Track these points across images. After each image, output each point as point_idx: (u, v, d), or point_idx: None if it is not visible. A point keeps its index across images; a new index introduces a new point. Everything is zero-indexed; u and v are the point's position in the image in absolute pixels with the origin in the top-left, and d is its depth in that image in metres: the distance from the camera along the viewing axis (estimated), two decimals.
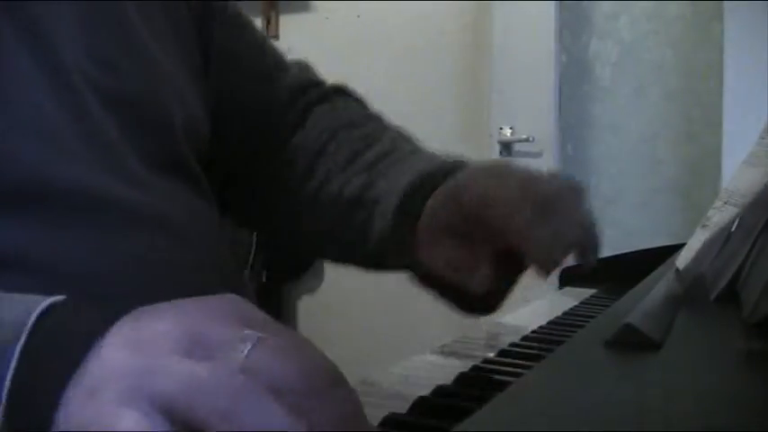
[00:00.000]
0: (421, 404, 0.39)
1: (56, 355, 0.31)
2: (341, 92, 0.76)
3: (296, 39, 2.29)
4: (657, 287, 0.52)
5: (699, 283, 0.52)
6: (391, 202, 0.61)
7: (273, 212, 0.72)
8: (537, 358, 0.43)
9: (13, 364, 0.31)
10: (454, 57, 2.13)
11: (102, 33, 0.57)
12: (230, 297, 0.33)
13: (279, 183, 0.70)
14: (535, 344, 0.56)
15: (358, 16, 2.21)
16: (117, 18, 0.59)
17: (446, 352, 0.57)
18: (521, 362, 0.49)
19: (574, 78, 2.09)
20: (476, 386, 0.43)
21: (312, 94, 0.75)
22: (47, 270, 0.48)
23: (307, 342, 0.31)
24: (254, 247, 2.14)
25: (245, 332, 0.30)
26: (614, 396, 0.28)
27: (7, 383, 0.30)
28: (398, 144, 0.68)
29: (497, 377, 0.45)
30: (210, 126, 0.67)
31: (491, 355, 0.54)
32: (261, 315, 0.32)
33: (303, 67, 0.76)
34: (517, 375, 0.43)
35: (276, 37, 2.31)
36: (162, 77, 0.61)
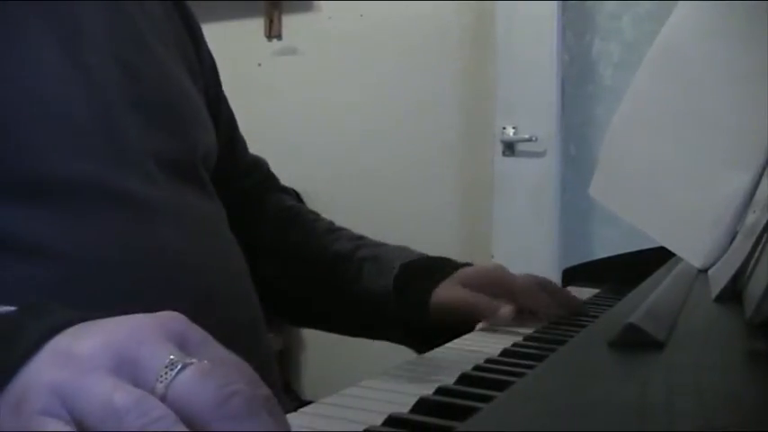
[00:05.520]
0: (423, 404, 0.39)
1: None
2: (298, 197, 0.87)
3: (299, 39, 2.29)
4: (661, 287, 0.52)
5: (703, 283, 0.52)
6: (391, 258, 0.73)
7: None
8: (540, 358, 0.43)
9: None
10: (457, 56, 2.13)
11: (124, 40, 0.61)
12: (168, 314, 0.33)
13: (242, 226, 0.72)
14: (538, 344, 0.56)
15: (361, 15, 2.21)
16: (136, 32, 0.63)
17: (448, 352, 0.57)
18: (523, 362, 0.49)
19: (577, 78, 2.09)
20: (478, 386, 0.43)
21: (278, 184, 0.86)
22: (63, 259, 0.49)
23: (238, 363, 0.32)
24: None
25: (171, 358, 0.30)
26: (617, 396, 0.28)
27: None
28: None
29: (500, 377, 0.45)
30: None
31: (494, 354, 0.54)
32: (197, 334, 0.33)
33: (263, 161, 0.86)
34: (520, 375, 0.43)
35: (279, 37, 2.31)
36: (177, 90, 0.65)
